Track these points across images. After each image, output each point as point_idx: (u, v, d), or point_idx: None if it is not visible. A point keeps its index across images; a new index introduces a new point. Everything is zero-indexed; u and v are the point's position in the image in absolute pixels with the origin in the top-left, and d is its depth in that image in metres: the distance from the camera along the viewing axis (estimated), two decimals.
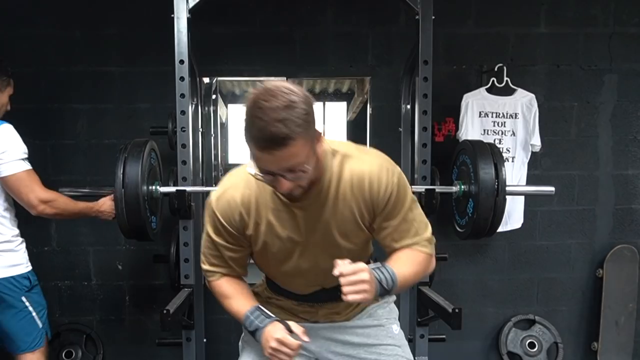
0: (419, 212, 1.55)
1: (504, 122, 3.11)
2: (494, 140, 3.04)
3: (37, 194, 2.29)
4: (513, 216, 3.16)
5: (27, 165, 2.30)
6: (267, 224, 1.49)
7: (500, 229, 2.66)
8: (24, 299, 2.33)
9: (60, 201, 2.38)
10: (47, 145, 3.16)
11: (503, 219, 2.57)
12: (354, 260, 1.36)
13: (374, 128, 3.27)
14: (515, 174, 3.12)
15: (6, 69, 2.41)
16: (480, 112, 3.11)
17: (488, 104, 3.11)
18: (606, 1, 3.26)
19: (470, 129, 3.09)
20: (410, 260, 1.51)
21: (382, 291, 1.39)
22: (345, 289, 1.30)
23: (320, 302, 1.65)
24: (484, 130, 3.11)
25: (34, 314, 2.36)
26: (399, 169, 1.52)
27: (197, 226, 2.66)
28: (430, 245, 1.55)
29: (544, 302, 3.43)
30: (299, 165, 1.28)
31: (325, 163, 1.43)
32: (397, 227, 1.50)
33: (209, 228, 1.56)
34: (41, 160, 3.12)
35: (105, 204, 2.55)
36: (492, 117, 3.11)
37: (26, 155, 2.30)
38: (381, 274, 1.40)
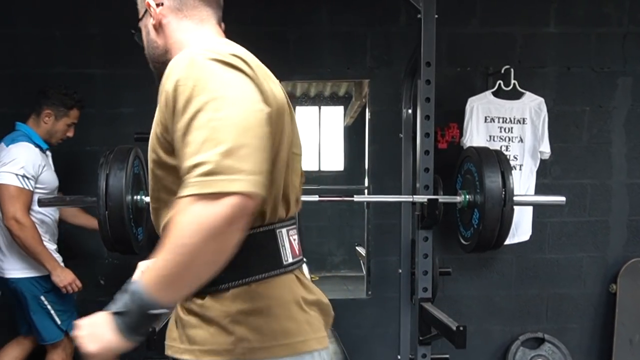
0: (219, 116, 0.92)
1: (511, 127, 3.12)
2: (501, 147, 3.05)
3: (15, 210, 2.55)
4: (521, 228, 3.16)
5: (20, 184, 2.58)
6: None
7: (507, 242, 2.66)
8: (42, 298, 2.70)
9: (29, 232, 2.59)
10: None
11: (510, 231, 2.57)
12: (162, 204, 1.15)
13: (373, 134, 3.28)
14: (523, 183, 3.12)
15: (65, 101, 2.76)
16: (486, 117, 3.12)
17: (494, 109, 3.12)
18: None
19: (476, 135, 3.10)
20: (169, 236, 0.92)
21: (131, 321, 0.97)
22: None
23: None
24: (490, 137, 3.12)
25: (52, 312, 2.72)
26: (215, 53, 1.03)
27: None
28: (206, 180, 0.88)
29: (553, 319, 3.43)
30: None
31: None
32: (181, 146, 0.96)
33: None
34: None
35: (67, 277, 2.71)
36: (498, 122, 3.12)
37: (24, 175, 2.58)
38: (115, 304, 1.00)
